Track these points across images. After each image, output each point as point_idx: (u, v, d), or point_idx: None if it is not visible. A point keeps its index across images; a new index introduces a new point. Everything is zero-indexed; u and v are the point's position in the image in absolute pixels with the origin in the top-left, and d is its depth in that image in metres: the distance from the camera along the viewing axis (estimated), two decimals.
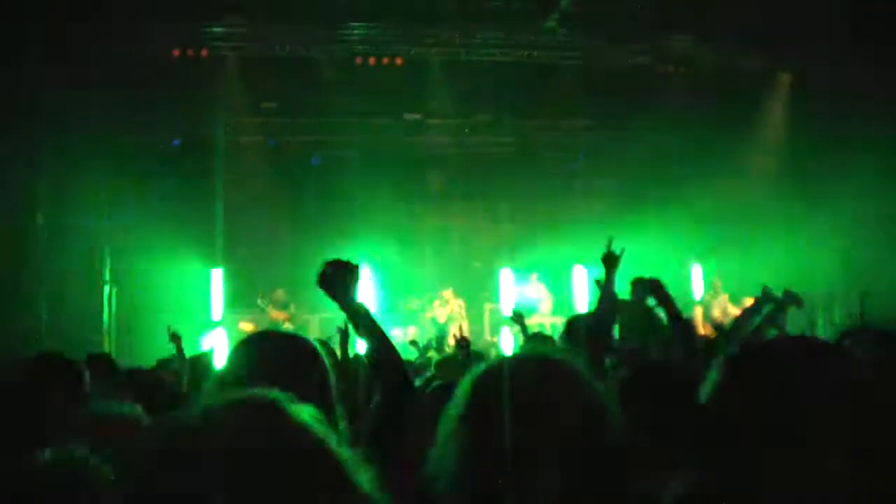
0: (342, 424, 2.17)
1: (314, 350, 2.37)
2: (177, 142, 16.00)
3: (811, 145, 14.50)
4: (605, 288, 4.81)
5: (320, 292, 2.94)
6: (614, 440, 1.74)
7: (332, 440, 1.19)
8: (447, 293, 15.77)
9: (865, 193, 12.89)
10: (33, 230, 12.92)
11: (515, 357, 1.91)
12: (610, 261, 4.88)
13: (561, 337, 5.39)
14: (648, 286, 4.76)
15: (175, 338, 7.80)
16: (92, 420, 2.53)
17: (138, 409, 2.64)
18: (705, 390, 2.49)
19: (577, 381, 1.80)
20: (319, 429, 1.19)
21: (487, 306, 16.54)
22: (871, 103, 13.45)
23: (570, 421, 1.72)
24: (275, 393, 1.21)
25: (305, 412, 1.20)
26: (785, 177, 15.69)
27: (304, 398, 1.24)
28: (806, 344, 2.49)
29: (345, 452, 1.20)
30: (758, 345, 2.68)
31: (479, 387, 1.81)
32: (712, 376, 2.52)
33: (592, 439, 1.71)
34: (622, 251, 4.94)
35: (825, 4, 12.92)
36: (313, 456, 1.16)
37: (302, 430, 1.17)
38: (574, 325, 5.06)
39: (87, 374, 3.77)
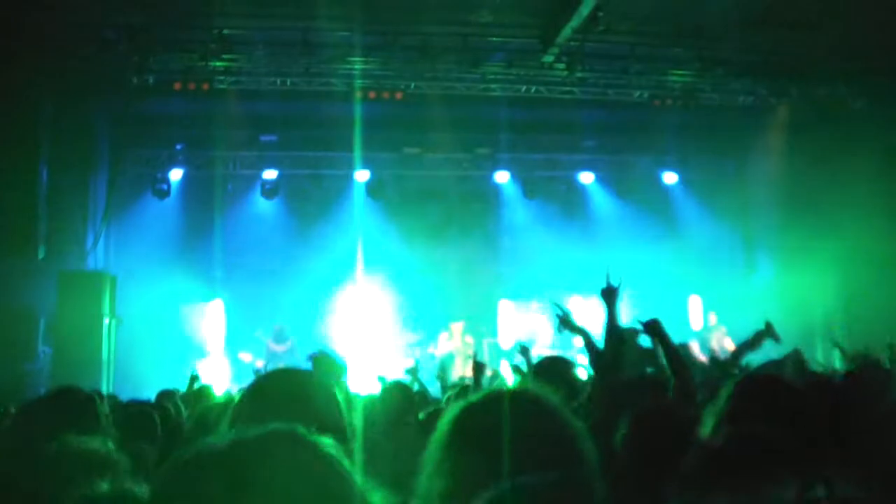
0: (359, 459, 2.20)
1: (330, 389, 2.39)
2: (167, 184, 15.99)
3: (809, 177, 14.56)
4: (608, 321, 4.77)
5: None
6: (588, 473, 1.79)
7: (352, 469, 1.23)
8: (456, 327, 15.74)
9: (864, 224, 12.92)
10: (33, 263, 12.92)
11: (495, 392, 1.98)
12: (609, 293, 4.86)
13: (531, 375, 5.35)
14: (643, 326, 4.72)
15: (193, 380, 8.01)
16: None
17: (109, 443, 2.65)
18: (707, 424, 2.50)
19: (552, 415, 1.89)
20: (342, 458, 1.22)
21: (486, 340, 16.51)
22: (870, 134, 13.53)
23: (544, 454, 1.78)
24: (299, 427, 1.25)
25: (328, 443, 1.24)
26: (783, 208, 15.75)
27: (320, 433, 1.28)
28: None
29: (364, 483, 1.24)
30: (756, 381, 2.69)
31: (460, 419, 1.88)
32: (716, 408, 2.53)
33: (565, 471, 1.77)
34: (620, 282, 4.90)
35: (823, 37, 13.03)
36: (338, 484, 1.19)
37: (328, 459, 1.20)
38: (541, 368, 4.98)
39: (104, 407, 3.78)
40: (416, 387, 9.14)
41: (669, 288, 16.08)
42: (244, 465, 1.15)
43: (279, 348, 15.44)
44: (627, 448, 2.84)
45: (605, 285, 4.86)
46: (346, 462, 1.22)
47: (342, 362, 3.13)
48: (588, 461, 1.83)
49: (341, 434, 2.14)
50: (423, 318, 16.39)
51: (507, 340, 16.55)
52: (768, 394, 2.52)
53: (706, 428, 2.46)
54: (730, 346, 14.18)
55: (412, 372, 9.71)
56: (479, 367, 6.82)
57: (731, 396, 2.53)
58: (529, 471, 1.66)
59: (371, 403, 5.52)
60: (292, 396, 2.24)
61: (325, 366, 3.10)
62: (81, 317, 13.09)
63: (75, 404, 3.66)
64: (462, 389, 6.87)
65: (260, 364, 13.92)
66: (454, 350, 15.13)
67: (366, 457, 2.18)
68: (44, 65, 12.16)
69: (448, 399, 6.87)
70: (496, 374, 11.69)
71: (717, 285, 16.39)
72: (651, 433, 2.72)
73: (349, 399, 2.67)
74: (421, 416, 5.26)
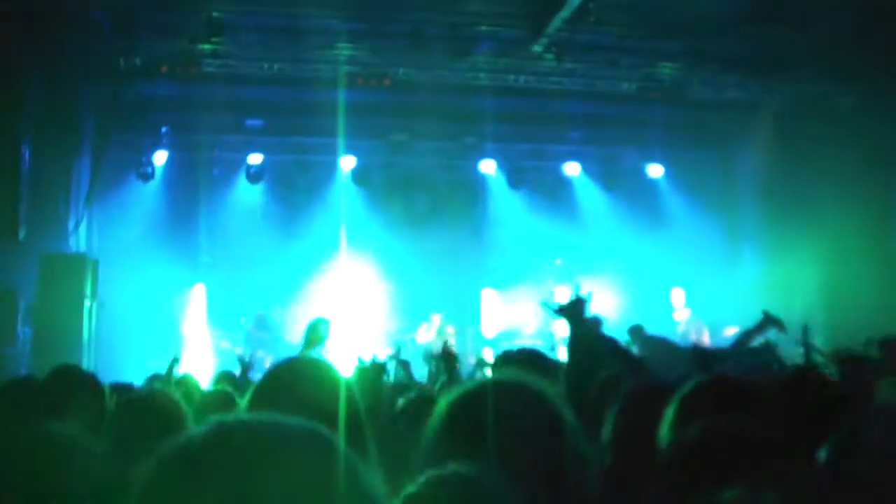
0: (372, 451, 2.18)
1: (343, 378, 2.39)
2: (151, 167, 15.87)
3: (796, 172, 14.61)
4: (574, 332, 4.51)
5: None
6: (577, 463, 1.79)
7: (341, 454, 1.19)
8: (436, 317, 15.76)
9: (850, 219, 12.98)
10: (13, 244, 12.82)
11: (490, 381, 1.97)
12: (572, 310, 4.57)
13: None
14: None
15: (174, 363, 8.00)
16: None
17: (78, 427, 2.62)
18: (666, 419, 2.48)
19: (548, 408, 1.88)
20: (334, 444, 1.19)
21: (469, 329, 16.57)
22: (857, 131, 13.57)
23: (536, 443, 1.80)
24: (278, 414, 1.21)
25: (319, 429, 1.20)
26: (769, 202, 15.83)
27: (333, 426, 1.25)
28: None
29: (361, 468, 1.20)
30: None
31: (455, 408, 1.88)
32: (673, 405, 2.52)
33: (556, 462, 1.76)
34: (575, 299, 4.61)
35: (813, 33, 13.06)
36: (329, 469, 1.16)
37: (318, 445, 1.17)
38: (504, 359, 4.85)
39: (107, 389, 3.74)
40: (399, 372, 9.11)
41: (652, 279, 16.13)
42: (229, 452, 1.12)
43: (260, 335, 15.40)
44: (615, 441, 2.84)
45: (567, 305, 4.59)
46: (337, 447, 1.19)
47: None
48: (582, 455, 1.83)
49: (359, 426, 2.12)
50: (407, 306, 16.39)
51: (489, 329, 16.60)
52: (723, 393, 2.53)
53: (665, 423, 2.45)
54: (707, 339, 14.30)
55: (395, 357, 9.64)
56: (446, 355, 6.83)
57: (690, 394, 2.52)
58: (523, 462, 1.65)
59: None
60: (305, 387, 2.22)
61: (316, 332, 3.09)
62: (62, 299, 12.99)
63: (78, 383, 3.64)
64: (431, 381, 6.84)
65: (240, 351, 13.86)
66: (432, 341, 15.13)
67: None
68: (28, 45, 12.05)
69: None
70: (480, 362, 11.69)
71: (702, 278, 16.44)
72: (642, 425, 2.71)
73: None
74: (401, 401, 5.21)
